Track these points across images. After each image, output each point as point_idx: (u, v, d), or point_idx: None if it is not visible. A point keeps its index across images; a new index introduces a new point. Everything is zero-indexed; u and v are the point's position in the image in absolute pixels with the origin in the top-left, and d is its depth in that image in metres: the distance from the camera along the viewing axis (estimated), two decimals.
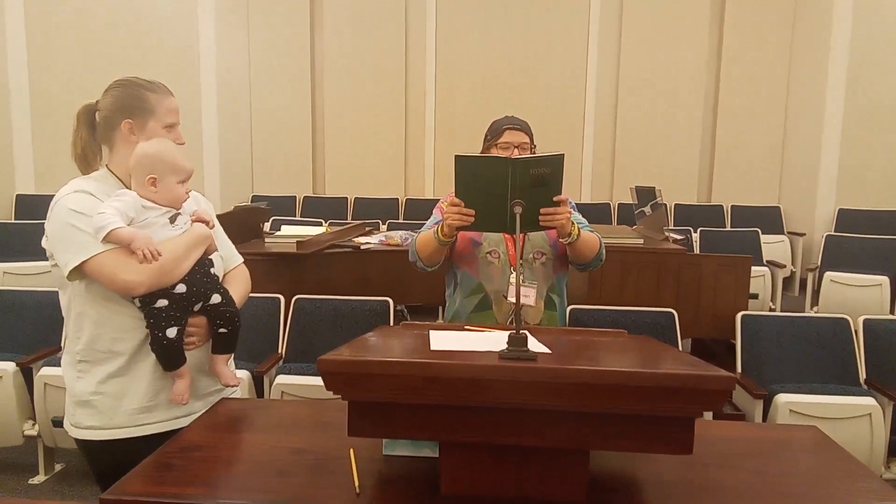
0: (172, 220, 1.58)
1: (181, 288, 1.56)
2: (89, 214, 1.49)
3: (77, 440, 1.61)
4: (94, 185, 1.58)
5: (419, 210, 6.55)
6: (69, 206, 1.51)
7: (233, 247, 1.85)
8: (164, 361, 1.57)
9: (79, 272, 1.50)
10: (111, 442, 1.57)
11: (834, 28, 6.20)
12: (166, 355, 1.56)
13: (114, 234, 1.47)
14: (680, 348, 3.07)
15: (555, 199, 1.79)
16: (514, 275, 1.97)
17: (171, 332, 1.54)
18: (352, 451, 1.37)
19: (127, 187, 1.58)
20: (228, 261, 1.79)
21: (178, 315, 1.55)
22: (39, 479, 3.06)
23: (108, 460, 1.57)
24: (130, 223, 1.51)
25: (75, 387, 1.59)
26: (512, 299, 1.94)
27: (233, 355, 1.73)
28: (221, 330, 1.64)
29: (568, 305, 2.31)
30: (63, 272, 1.51)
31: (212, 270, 1.64)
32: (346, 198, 7.01)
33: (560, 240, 1.95)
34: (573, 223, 1.91)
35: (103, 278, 1.50)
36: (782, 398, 2.70)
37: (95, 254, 1.48)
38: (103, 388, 1.56)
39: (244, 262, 1.89)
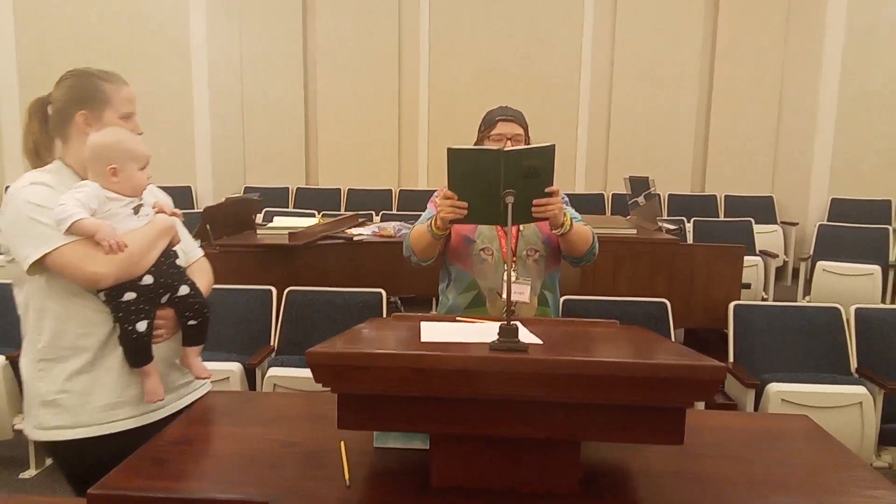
0: (136, 210, 1.55)
1: (148, 279, 1.52)
2: (49, 207, 1.44)
3: (43, 443, 1.56)
4: (50, 177, 1.53)
5: (413, 201, 6.53)
6: (27, 199, 1.46)
7: (192, 240, 1.82)
8: (132, 357, 1.53)
9: (40, 266, 1.45)
10: (80, 441, 1.51)
11: (828, 19, 6.19)
12: (135, 350, 1.52)
13: (76, 225, 1.43)
14: (673, 338, 3.08)
15: (546, 189, 1.78)
16: (510, 271, 1.96)
17: (141, 326, 1.50)
18: (342, 443, 1.37)
19: (84, 179, 1.54)
20: (189, 254, 1.76)
21: (146, 308, 1.52)
22: (30, 473, 3.05)
23: (78, 460, 1.53)
24: (93, 215, 1.47)
25: (38, 387, 1.53)
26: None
27: (202, 347, 1.69)
28: (191, 322, 1.60)
29: (561, 297, 2.31)
30: (22, 266, 1.46)
31: (177, 261, 1.61)
32: (340, 189, 6.97)
33: (553, 231, 1.94)
34: (565, 214, 1.90)
35: (67, 271, 1.45)
36: (774, 387, 2.70)
37: (58, 246, 1.43)
38: (69, 385, 1.51)
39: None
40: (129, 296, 1.50)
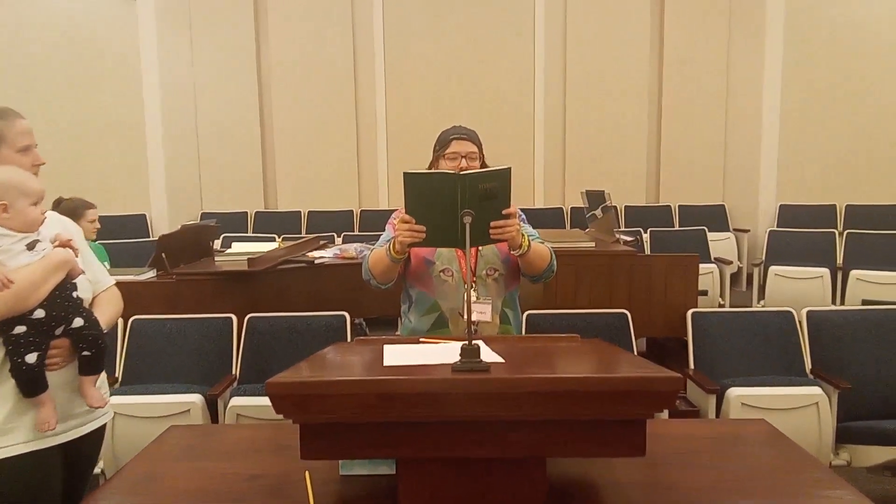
0: (31, 246, 1.57)
1: (39, 313, 1.54)
2: None
3: None
4: None
5: (375, 221, 6.51)
6: None
7: (103, 270, 1.84)
8: (24, 388, 1.54)
9: None
10: None
11: (767, 32, 6.45)
12: (26, 381, 1.53)
13: None
14: (634, 348, 3.12)
15: (504, 212, 1.80)
16: (469, 292, 1.97)
17: (31, 358, 1.52)
18: (307, 473, 1.35)
19: None
20: (97, 284, 1.78)
21: (37, 340, 1.54)
22: None
23: None
24: None
25: None
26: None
27: (101, 376, 1.71)
28: (85, 353, 1.62)
29: (522, 313, 2.32)
30: None
31: (74, 294, 1.63)
32: (300, 212, 6.91)
33: (511, 252, 1.96)
34: (523, 235, 1.92)
35: None
36: (733, 392, 2.76)
37: None
38: None
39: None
40: (19, 329, 1.52)
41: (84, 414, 1.68)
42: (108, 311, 1.73)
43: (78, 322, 1.60)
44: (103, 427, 1.77)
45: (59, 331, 1.57)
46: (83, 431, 1.68)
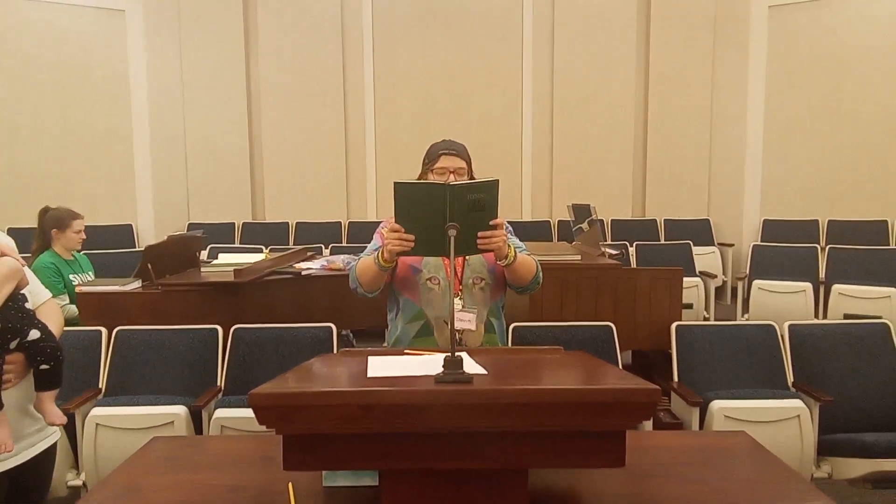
0: None
1: None
2: None
3: None
4: None
5: (362, 233, 6.52)
6: None
7: (39, 282, 1.78)
8: None
9: None
10: None
11: (751, 50, 6.57)
12: None
13: None
14: (619, 361, 3.14)
15: (491, 222, 1.83)
16: (455, 300, 1.98)
17: None
18: (290, 485, 1.35)
19: None
20: (36, 296, 1.71)
21: None
22: None
23: None
24: None
25: None
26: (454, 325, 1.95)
27: (57, 391, 1.64)
28: (43, 366, 1.55)
29: (507, 325, 2.34)
30: None
31: (27, 305, 1.57)
32: (287, 223, 6.90)
33: (497, 262, 1.99)
34: (509, 246, 1.95)
35: None
36: (717, 405, 2.79)
37: None
38: None
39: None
40: None
41: (32, 434, 1.60)
42: (52, 325, 1.65)
43: (34, 334, 1.53)
44: (50, 454, 1.68)
45: (13, 344, 1.50)
46: (31, 454, 1.60)
